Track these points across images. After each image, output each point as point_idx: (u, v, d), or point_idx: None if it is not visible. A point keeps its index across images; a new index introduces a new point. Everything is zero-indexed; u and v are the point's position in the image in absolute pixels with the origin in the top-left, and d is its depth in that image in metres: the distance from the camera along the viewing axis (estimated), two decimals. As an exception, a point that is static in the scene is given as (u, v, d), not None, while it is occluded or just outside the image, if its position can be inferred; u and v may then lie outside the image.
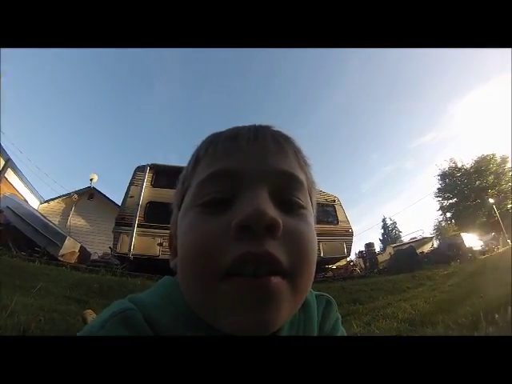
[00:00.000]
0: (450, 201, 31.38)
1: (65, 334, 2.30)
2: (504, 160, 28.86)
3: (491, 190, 27.82)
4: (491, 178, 28.47)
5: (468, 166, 30.27)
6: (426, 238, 19.73)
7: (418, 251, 14.35)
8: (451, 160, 31.47)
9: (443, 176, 31.61)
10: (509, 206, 27.14)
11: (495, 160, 29.01)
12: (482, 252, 16.85)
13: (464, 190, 29.61)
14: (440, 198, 31.85)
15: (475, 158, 30.05)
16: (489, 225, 25.06)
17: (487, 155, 29.44)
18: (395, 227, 43.32)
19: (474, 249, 17.03)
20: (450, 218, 32.06)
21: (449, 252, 13.94)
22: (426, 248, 16.55)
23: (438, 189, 31.73)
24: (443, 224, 33.19)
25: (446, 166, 31.66)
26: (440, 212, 32.40)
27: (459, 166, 30.86)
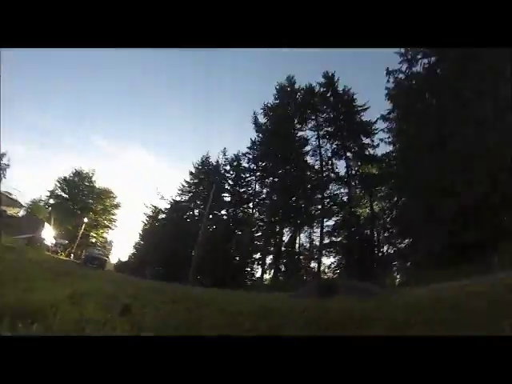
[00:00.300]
0: (63, 194, 36.34)
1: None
2: (117, 206, 38.68)
3: (93, 214, 36.13)
4: (101, 207, 37.44)
5: (98, 187, 37.65)
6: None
7: None
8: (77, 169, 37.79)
9: (75, 175, 36.93)
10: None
11: (113, 199, 38.76)
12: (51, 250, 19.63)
13: (81, 196, 36.32)
14: (58, 190, 37.01)
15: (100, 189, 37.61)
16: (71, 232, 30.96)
17: (110, 194, 38.34)
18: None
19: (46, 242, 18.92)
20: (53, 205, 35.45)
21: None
22: None
23: (58, 180, 36.47)
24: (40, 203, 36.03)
25: (82, 170, 37.97)
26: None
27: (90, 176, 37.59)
